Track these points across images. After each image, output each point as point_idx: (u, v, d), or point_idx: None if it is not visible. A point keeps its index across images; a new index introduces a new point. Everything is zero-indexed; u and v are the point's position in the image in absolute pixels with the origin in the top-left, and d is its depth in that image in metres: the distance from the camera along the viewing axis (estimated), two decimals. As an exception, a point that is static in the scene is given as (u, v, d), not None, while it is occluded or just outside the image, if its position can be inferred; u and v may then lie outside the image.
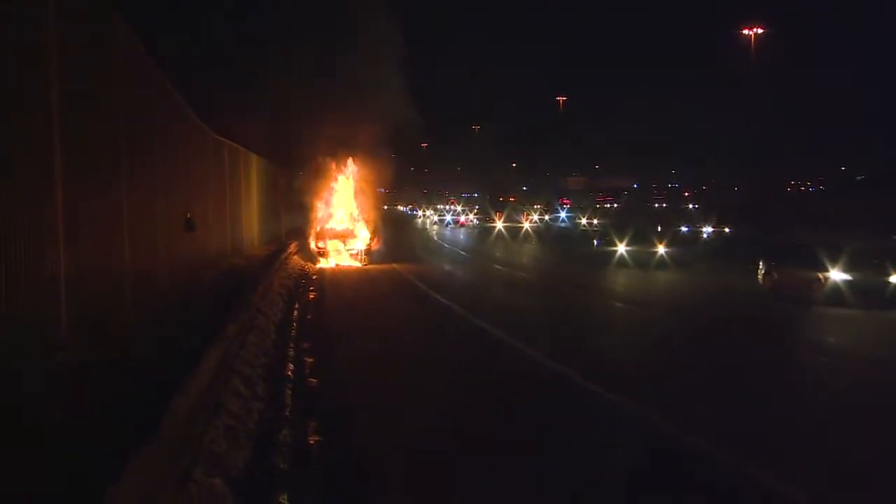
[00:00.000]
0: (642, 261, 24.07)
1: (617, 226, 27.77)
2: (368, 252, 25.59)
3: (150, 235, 10.13)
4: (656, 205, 74.76)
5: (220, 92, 23.23)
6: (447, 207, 74.01)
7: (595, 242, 28.67)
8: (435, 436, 6.82)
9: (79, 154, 7.00)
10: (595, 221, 50.07)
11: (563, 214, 63.65)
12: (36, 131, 6.10)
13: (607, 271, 23.42)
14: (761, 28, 43.84)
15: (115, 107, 8.40)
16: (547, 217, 61.14)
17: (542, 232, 48.29)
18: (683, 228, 37.78)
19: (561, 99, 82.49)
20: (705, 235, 39.10)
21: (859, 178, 68.49)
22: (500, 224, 48.80)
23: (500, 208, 54.30)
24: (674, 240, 26.13)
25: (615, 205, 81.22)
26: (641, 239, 24.93)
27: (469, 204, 75.84)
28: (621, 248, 24.88)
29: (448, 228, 59.41)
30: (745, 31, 43.91)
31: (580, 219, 53.06)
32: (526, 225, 47.82)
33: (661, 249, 24.40)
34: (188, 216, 12.64)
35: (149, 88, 10.25)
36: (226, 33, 25.62)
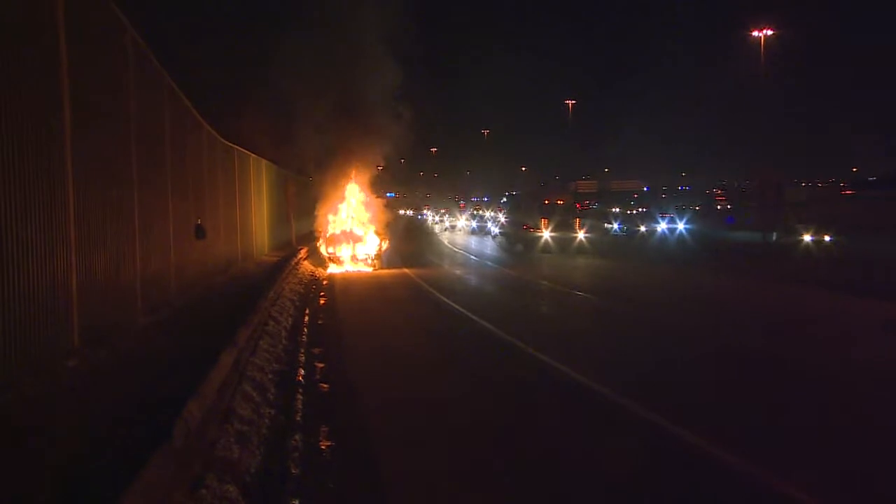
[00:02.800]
0: None
1: None
2: (378, 257, 25.65)
3: (162, 243, 10.18)
4: None
5: (229, 97, 23.35)
6: (480, 213, 63.89)
7: None
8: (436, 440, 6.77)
9: (91, 164, 7.03)
10: (828, 238, 32.67)
11: (662, 225, 47.56)
12: (47, 140, 6.12)
13: None
14: (771, 29, 43.64)
15: (126, 114, 8.45)
16: (616, 226, 46.85)
17: (654, 249, 35.58)
18: None
19: (570, 102, 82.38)
20: None
21: (871, 179, 68.13)
22: (546, 233, 36.97)
23: (545, 214, 41.05)
24: None
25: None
26: None
27: (497, 208, 65.41)
28: None
29: (472, 237, 50.16)
30: (756, 33, 43.69)
31: (801, 234, 33.55)
32: (580, 235, 36.33)
33: None
34: (198, 222, 12.70)
35: (159, 95, 10.31)
36: (236, 40, 25.72)
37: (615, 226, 47.94)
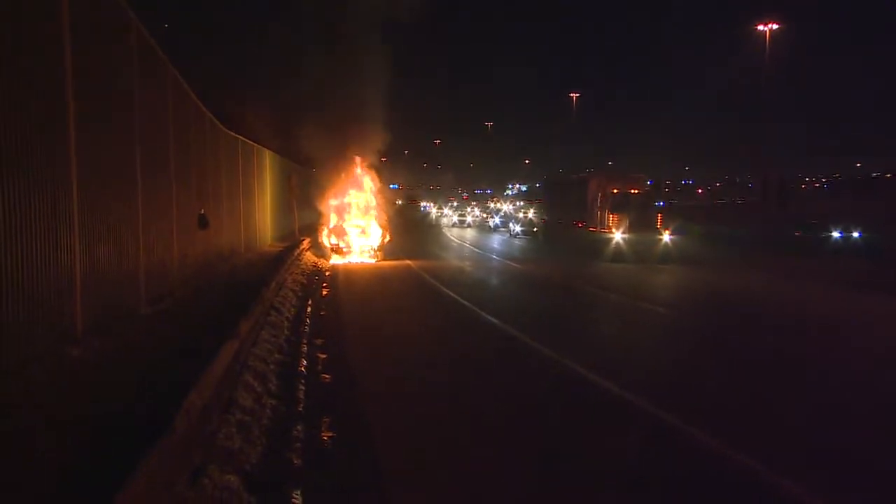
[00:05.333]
0: None
1: None
2: (381, 248, 25.69)
3: (165, 233, 10.18)
4: None
5: (232, 86, 23.31)
6: (498, 206, 56.95)
7: None
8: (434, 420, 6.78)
9: (94, 151, 7.03)
10: None
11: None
12: (52, 129, 6.12)
13: None
14: (776, 24, 43.50)
15: (130, 102, 8.44)
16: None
17: None
18: None
19: (574, 95, 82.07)
20: None
21: (874, 175, 67.92)
22: (618, 235, 27.57)
23: (618, 208, 28.56)
24: None
25: None
26: None
27: (512, 200, 60.48)
28: None
29: (496, 235, 43.43)
30: (761, 27, 43.53)
31: None
32: (666, 237, 27.19)
33: None
34: (202, 212, 12.69)
35: (163, 83, 10.29)
36: (239, 27, 25.69)
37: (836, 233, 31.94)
